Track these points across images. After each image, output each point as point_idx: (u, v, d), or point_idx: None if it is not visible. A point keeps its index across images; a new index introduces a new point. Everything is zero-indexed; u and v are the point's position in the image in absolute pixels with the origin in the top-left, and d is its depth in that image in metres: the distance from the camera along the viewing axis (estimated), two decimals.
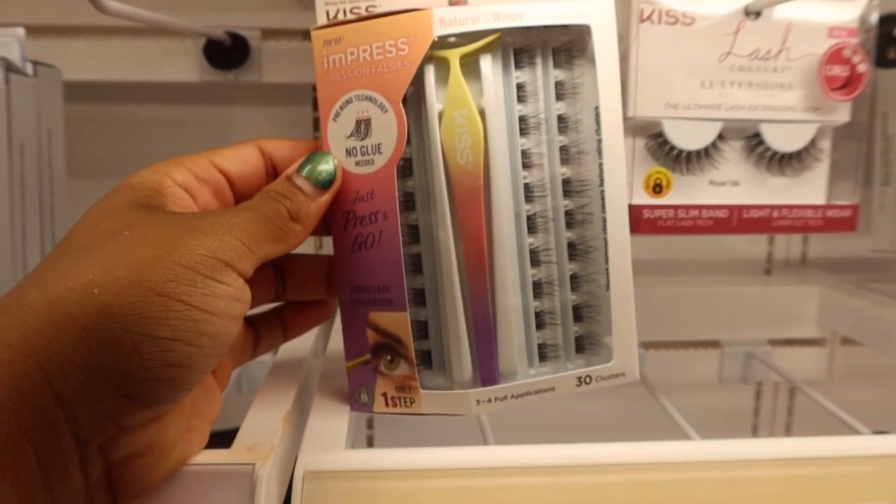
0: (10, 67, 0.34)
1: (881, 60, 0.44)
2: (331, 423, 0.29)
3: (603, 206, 0.29)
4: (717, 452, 0.27)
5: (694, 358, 0.56)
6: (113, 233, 0.22)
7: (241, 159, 0.27)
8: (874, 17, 0.36)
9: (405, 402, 0.28)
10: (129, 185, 0.24)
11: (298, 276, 0.30)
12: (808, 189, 0.37)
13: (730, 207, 0.36)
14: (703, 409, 0.62)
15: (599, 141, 0.29)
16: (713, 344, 0.56)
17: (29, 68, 0.37)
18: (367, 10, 0.27)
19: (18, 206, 0.35)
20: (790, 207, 0.36)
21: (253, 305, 0.29)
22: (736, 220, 0.36)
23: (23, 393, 0.19)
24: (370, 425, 0.60)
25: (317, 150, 0.27)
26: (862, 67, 0.36)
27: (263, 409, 0.30)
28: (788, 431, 0.65)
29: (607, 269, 0.29)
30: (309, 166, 0.27)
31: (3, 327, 0.20)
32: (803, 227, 0.36)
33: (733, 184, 0.37)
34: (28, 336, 0.20)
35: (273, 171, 0.28)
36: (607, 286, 0.29)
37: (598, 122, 0.28)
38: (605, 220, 0.29)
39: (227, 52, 0.48)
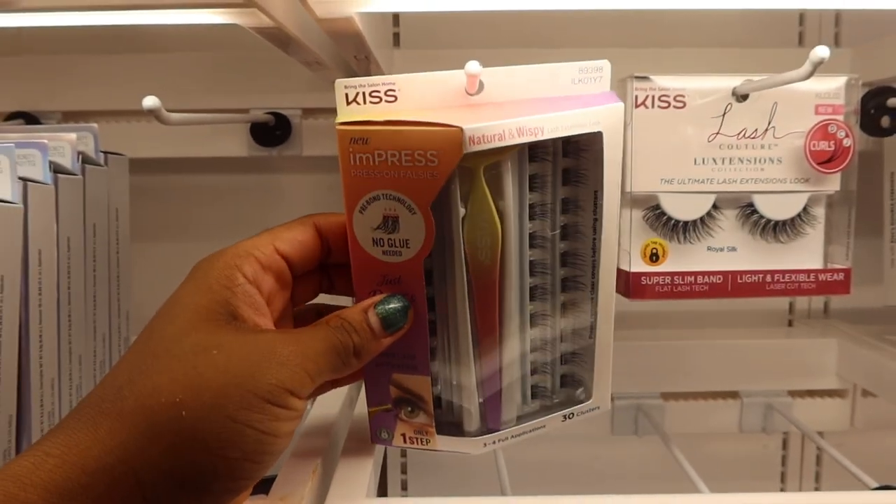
0: (86, 160, 0.40)
1: (874, 129, 0.46)
2: (356, 473, 0.32)
3: (593, 273, 0.32)
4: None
5: (714, 409, 0.57)
6: (203, 349, 0.25)
7: (299, 241, 0.30)
8: (859, 91, 0.39)
9: (422, 442, 0.32)
10: (207, 286, 0.27)
11: None
12: (804, 253, 0.40)
13: (724, 273, 0.38)
14: (729, 458, 0.64)
15: (595, 220, 0.32)
16: (733, 395, 0.58)
17: (101, 158, 0.42)
18: (385, 93, 0.29)
19: (91, 279, 0.40)
20: (783, 272, 0.39)
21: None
22: (731, 285, 0.39)
23: (119, 494, 0.23)
24: (404, 470, 0.63)
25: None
26: (847, 142, 0.38)
27: (297, 460, 0.33)
28: (818, 481, 0.65)
29: (591, 324, 0.33)
30: (384, 307, 0.29)
31: (105, 430, 0.23)
32: (796, 290, 0.39)
33: (731, 249, 0.40)
34: (127, 445, 0.23)
35: (328, 246, 0.31)
36: (590, 335, 0.33)
37: (596, 205, 0.32)
38: (594, 285, 0.32)
39: (272, 131, 0.54)
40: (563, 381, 0.35)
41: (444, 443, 0.32)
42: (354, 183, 0.29)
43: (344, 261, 0.31)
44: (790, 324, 0.64)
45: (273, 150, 0.54)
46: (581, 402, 0.34)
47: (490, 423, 0.32)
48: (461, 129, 0.27)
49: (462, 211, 0.29)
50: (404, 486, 0.63)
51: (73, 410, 0.24)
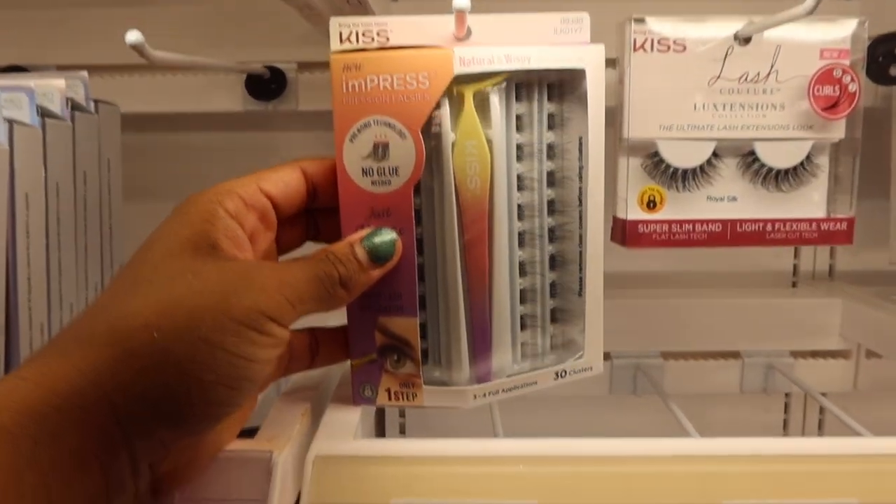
0: (75, 106, 0.39)
1: (882, 77, 0.45)
2: (344, 416, 0.32)
3: (581, 224, 0.32)
4: (702, 448, 0.29)
5: (715, 369, 0.57)
6: (179, 274, 0.25)
7: (285, 182, 0.29)
8: (866, 37, 0.38)
9: (408, 397, 0.31)
10: (187, 219, 0.27)
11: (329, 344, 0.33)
12: (807, 203, 0.39)
13: (723, 222, 0.38)
14: (730, 421, 0.63)
15: (581, 167, 0.32)
16: (735, 355, 0.57)
17: (91, 106, 0.42)
18: (377, 34, 0.30)
19: (81, 228, 0.40)
20: (784, 221, 0.38)
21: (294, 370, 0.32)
22: (730, 234, 0.38)
23: (92, 417, 0.22)
24: (402, 414, 0.63)
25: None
26: (853, 87, 0.37)
27: (286, 406, 0.33)
28: None
29: (581, 278, 0.32)
30: (371, 239, 0.29)
31: (78, 356, 0.23)
32: (798, 240, 0.38)
33: (731, 199, 0.39)
34: (99, 368, 0.23)
35: (314, 190, 0.31)
36: (580, 292, 0.32)
37: (581, 151, 0.32)
38: (581, 236, 0.32)
39: (267, 85, 0.53)
40: (555, 341, 0.34)
41: (431, 397, 0.31)
42: (346, 111, 0.29)
43: (330, 205, 0.30)
44: (794, 285, 0.63)
45: (268, 103, 0.53)
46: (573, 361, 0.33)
47: (480, 373, 0.32)
48: (452, 50, 0.28)
49: (452, 136, 0.29)
50: (402, 430, 0.62)
51: (50, 341, 0.24)
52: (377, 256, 0.29)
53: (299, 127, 0.59)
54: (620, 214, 0.38)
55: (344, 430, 0.31)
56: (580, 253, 0.32)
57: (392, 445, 0.29)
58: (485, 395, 0.32)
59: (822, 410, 0.64)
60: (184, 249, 0.26)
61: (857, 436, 0.42)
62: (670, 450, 0.29)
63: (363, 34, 0.29)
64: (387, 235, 0.29)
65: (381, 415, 0.61)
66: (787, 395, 0.64)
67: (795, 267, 0.63)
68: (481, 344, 0.31)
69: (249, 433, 0.31)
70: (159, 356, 0.23)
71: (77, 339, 0.24)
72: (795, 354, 0.57)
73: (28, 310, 0.34)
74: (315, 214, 0.32)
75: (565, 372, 0.33)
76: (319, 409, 0.34)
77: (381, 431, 0.60)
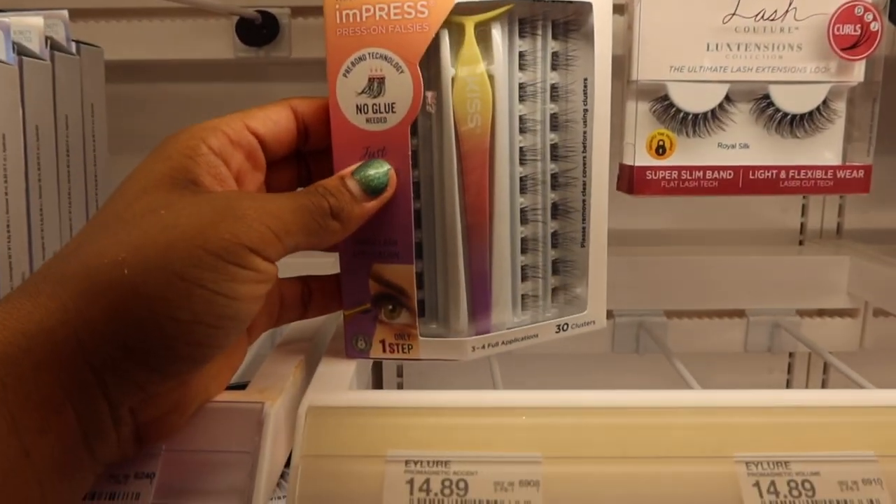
0: (54, 46, 0.37)
1: None
2: (338, 368, 0.31)
3: (584, 171, 0.30)
4: (713, 400, 0.28)
5: (719, 327, 0.56)
6: (151, 210, 0.23)
7: (273, 121, 0.28)
8: None
9: (403, 349, 0.30)
10: (166, 154, 0.25)
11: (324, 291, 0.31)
12: (822, 150, 0.37)
13: (735, 168, 0.36)
14: (733, 382, 0.62)
15: (586, 111, 0.30)
16: (739, 314, 0.56)
17: (73, 47, 0.40)
18: None
19: (65, 174, 0.38)
20: (798, 168, 0.36)
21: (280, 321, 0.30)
22: (742, 182, 0.36)
23: (62, 358, 0.21)
24: (399, 373, 0.62)
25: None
26: (875, 26, 0.35)
27: (279, 358, 0.32)
28: None
29: (584, 229, 0.31)
30: (362, 171, 0.27)
31: (47, 295, 0.22)
32: (813, 188, 0.36)
33: (743, 146, 0.37)
34: (67, 306, 0.21)
35: (305, 130, 0.29)
36: (583, 243, 0.31)
37: (586, 94, 0.30)
38: (585, 184, 0.30)
39: (258, 30, 0.51)
40: (557, 294, 0.33)
41: (427, 349, 0.30)
42: (340, 44, 0.27)
43: (323, 146, 0.29)
44: (801, 243, 0.62)
45: (260, 50, 0.51)
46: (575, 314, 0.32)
47: (479, 324, 0.30)
48: None
49: (451, 71, 0.28)
50: (400, 388, 0.62)
51: (21, 283, 0.23)
52: (370, 188, 0.27)
53: (292, 77, 0.57)
54: (628, 161, 0.36)
55: (338, 381, 0.30)
56: (584, 202, 0.31)
57: (389, 396, 0.28)
58: (484, 346, 0.30)
59: (825, 370, 0.63)
60: (159, 185, 0.24)
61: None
62: (679, 401, 0.28)
63: None
64: (380, 166, 0.27)
65: (378, 375, 0.60)
66: (790, 354, 0.63)
67: (803, 225, 0.62)
68: (481, 293, 0.30)
69: (242, 388, 0.30)
70: (129, 293, 0.21)
71: (47, 278, 0.22)
72: (802, 313, 0.56)
73: (8, 257, 0.33)
74: (307, 157, 0.31)
75: (567, 325, 0.32)
76: (313, 362, 0.33)
77: (380, 385, 0.59)
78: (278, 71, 0.57)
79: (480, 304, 0.30)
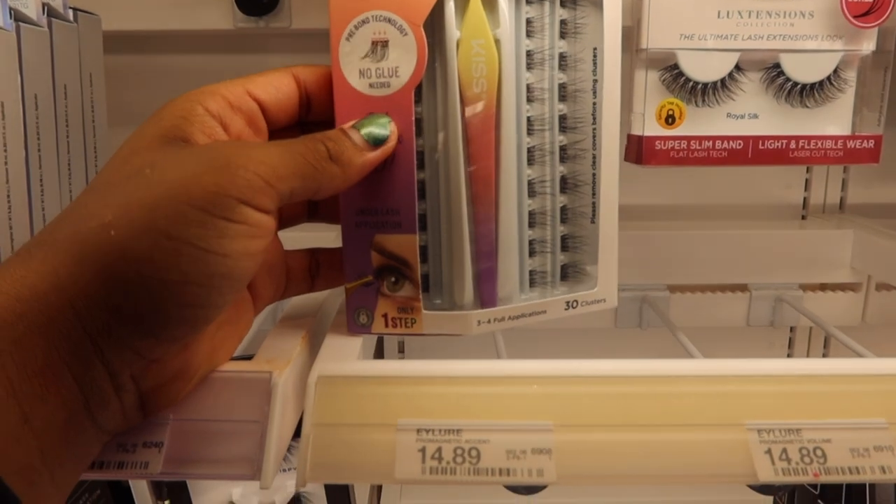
0: (52, 13, 0.36)
1: None
2: (346, 340, 0.30)
3: (594, 144, 0.30)
4: (723, 368, 0.28)
5: (722, 301, 0.56)
6: (137, 171, 0.22)
7: (275, 87, 0.27)
8: None
9: (406, 323, 0.29)
10: (159, 116, 0.25)
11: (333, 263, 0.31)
12: (832, 120, 0.37)
13: (744, 138, 0.36)
14: (735, 356, 0.62)
15: (596, 81, 0.30)
16: (742, 288, 0.56)
17: (70, 14, 0.39)
18: None
19: (64, 144, 0.38)
20: (808, 138, 0.36)
21: (287, 294, 0.30)
22: (751, 152, 0.36)
23: (57, 324, 0.21)
24: (401, 349, 0.62)
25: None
26: None
27: (284, 330, 0.32)
28: None
29: (594, 203, 0.30)
30: (364, 122, 0.26)
31: (39, 259, 0.21)
32: (822, 158, 0.36)
33: (752, 116, 0.37)
34: (59, 271, 0.21)
35: (307, 98, 0.28)
36: (593, 219, 0.30)
37: (595, 63, 0.29)
38: (594, 157, 0.30)
39: (258, 0, 0.50)
40: (566, 271, 0.32)
41: (431, 323, 0.29)
42: (342, 6, 0.26)
43: (326, 118, 0.28)
44: (804, 218, 0.61)
45: (260, 20, 0.50)
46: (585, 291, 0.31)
47: (485, 294, 0.29)
48: None
49: (456, 34, 0.27)
50: None
51: (16, 251, 0.22)
52: (371, 138, 0.26)
53: (293, 48, 0.56)
54: (636, 131, 0.36)
55: (347, 352, 0.29)
56: (594, 175, 0.30)
57: (399, 366, 0.28)
58: (489, 321, 0.29)
59: (826, 344, 0.64)
60: (149, 146, 0.23)
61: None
62: (690, 370, 0.28)
63: None
64: (381, 118, 0.27)
65: (379, 351, 0.60)
66: (791, 329, 0.63)
67: (806, 199, 0.61)
68: (486, 265, 0.29)
69: (247, 360, 0.30)
70: (117, 256, 0.21)
71: (39, 244, 0.22)
72: (804, 287, 0.56)
73: (9, 228, 0.32)
74: (310, 129, 0.30)
75: (577, 302, 0.31)
76: (317, 335, 0.33)
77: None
78: (278, 42, 0.57)
79: (486, 277, 0.29)
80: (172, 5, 0.50)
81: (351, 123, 0.27)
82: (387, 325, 0.29)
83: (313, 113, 0.29)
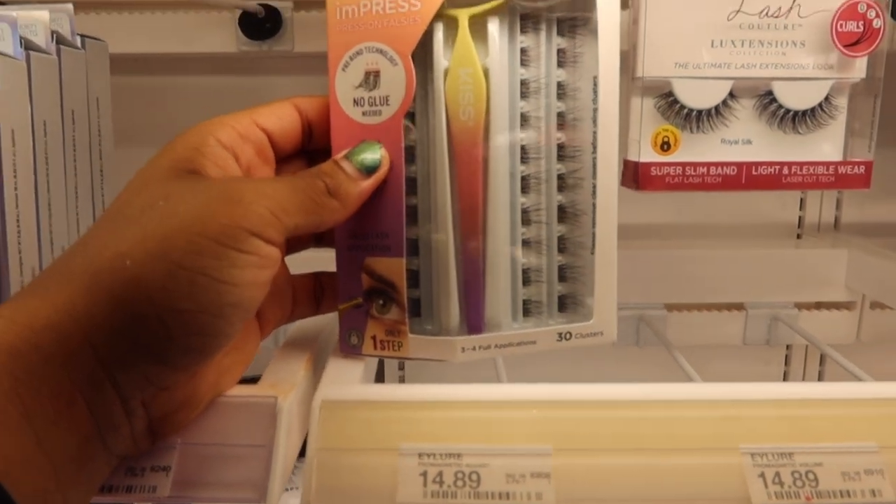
0: (60, 40, 0.37)
1: None
2: (349, 364, 0.31)
3: (594, 173, 0.30)
4: (718, 393, 0.28)
5: (718, 320, 0.56)
6: (151, 203, 0.23)
7: (279, 117, 0.28)
8: None
9: (393, 346, 0.30)
10: (171, 148, 0.25)
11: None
12: (823, 146, 0.38)
13: (738, 164, 0.36)
14: (731, 375, 0.63)
15: (595, 110, 0.30)
16: (738, 307, 0.57)
17: (78, 41, 0.40)
18: None
19: (71, 168, 0.38)
20: (801, 164, 0.37)
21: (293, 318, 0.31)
22: (745, 177, 0.36)
23: (71, 352, 0.21)
24: (401, 366, 0.62)
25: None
26: (877, 23, 0.36)
27: (288, 354, 0.32)
28: None
29: (594, 233, 0.30)
30: (354, 152, 0.27)
31: (54, 291, 0.22)
32: (814, 183, 0.37)
33: (745, 142, 0.37)
34: (75, 300, 0.22)
35: (309, 128, 0.29)
36: (592, 249, 0.30)
37: (595, 92, 0.30)
38: (594, 186, 0.30)
39: (261, 24, 0.51)
40: (564, 302, 0.32)
41: (417, 347, 0.29)
42: (339, 39, 0.28)
43: (326, 145, 0.29)
44: (799, 237, 0.62)
45: (263, 44, 0.51)
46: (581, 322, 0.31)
47: (471, 319, 0.29)
48: None
49: (445, 63, 0.28)
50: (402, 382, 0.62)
51: (31, 281, 0.23)
52: (364, 167, 0.27)
53: (295, 70, 0.57)
54: (632, 157, 0.37)
55: (349, 376, 0.30)
56: (594, 205, 0.30)
57: (401, 391, 0.28)
58: (475, 348, 0.30)
59: (822, 362, 0.64)
60: (161, 177, 0.24)
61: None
62: (686, 394, 0.28)
63: None
64: (371, 146, 0.28)
65: (381, 367, 0.61)
66: (787, 347, 0.64)
67: (801, 218, 0.62)
68: (472, 291, 0.29)
69: (251, 382, 0.30)
70: (131, 286, 0.22)
71: (54, 275, 0.22)
72: (799, 306, 0.57)
73: (18, 252, 0.33)
74: (313, 157, 0.31)
75: (570, 334, 0.31)
76: (321, 358, 0.33)
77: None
78: (281, 64, 0.58)
79: (472, 303, 0.30)
80: (176, 28, 0.51)
81: (343, 153, 0.27)
82: (375, 347, 0.30)
83: (314, 141, 0.30)
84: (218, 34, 0.52)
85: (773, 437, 0.27)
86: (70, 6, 0.39)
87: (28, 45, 0.34)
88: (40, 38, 0.36)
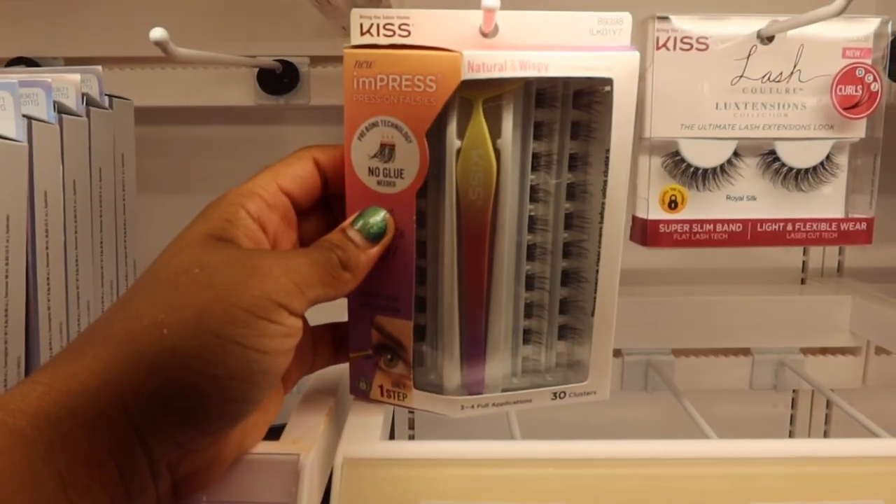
0: (90, 102, 0.39)
1: None
2: (368, 419, 0.32)
3: (599, 242, 0.31)
4: (720, 450, 0.29)
5: (725, 365, 0.57)
6: (185, 270, 0.24)
7: (301, 177, 0.29)
8: (888, 36, 0.38)
9: (398, 396, 0.31)
10: (206, 217, 0.27)
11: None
12: (826, 203, 0.39)
13: (743, 222, 0.37)
14: (738, 417, 0.63)
15: (605, 182, 0.30)
16: (745, 352, 0.58)
17: (106, 101, 0.41)
18: (399, 27, 0.29)
19: (98, 225, 0.40)
20: (804, 221, 0.38)
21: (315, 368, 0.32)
22: (750, 234, 0.38)
23: (105, 417, 0.22)
24: (411, 426, 0.63)
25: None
26: (875, 86, 0.37)
27: (308, 406, 0.33)
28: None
29: (595, 298, 0.31)
30: (361, 220, 0.28)
31: (91, 356, 0.23)
32: (818, 240, 0.38)
33: (750, 199, 0.39)
34: (111, 367, 0.23)
35: (325, 178, 0.30)
36: (592, 313, 0.31)
37: (607, 165, 0.30)
38: (599, 255, 0.31)
39: (279, 79, 0.53)
40: (561, 360, 0.33)
41: (420, 400, 0.31)
42: (356, 108, 0.28)
43: (341, 191, 0.30)
44: (803, 282, 0.63)
45: (280, 98, 0.53)
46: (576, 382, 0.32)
47: (471, 383, 0.31)
48: (461, 54, 0.27)
49: (457, 143, 0.29)
50: (411, 426, 0.63)
51: (66, 346, 0.24)
52: (370, 235, 0.28)
53: (311, 121, 0.59)
54: (641, 214, 0.38)
55: (369, 431, 0.31)
56: (597, 272, 0.31)
57: (420, 447, 0.29)
58: (473, 406, 0.31)
59: (828, 406, 0.65)
60: (195, 244, 0.25)
61: (867, 431, 0.42)
62: (697, 452, 0.29)
63: (384, 27, 0.29)
64: (376, 213, 0.29)
65: (391, 430, 0.61)
66: (794, 391, 0.65)
67: (805, 263, 0.63)
68: (474, 354, 0.31)
69: (274, 431, 0.31)
70: (167, 354, 0.23)
71: (91, 341, 0.23)
72: (805, 351, 0.57)
73: (47, 309, 0.34)
74: (330, 203, 0.32)
75: (564, 393, 0.32)
76: (341, 408, 0.34)
77: (391, 434, 0.60)
78: (297, 115, 0.59)
79: (473, 365, 0.31)
80: (198, 83, 0.53)
81: (349, 221, 0.29)
82: (382, 395, 0.32)
83: (330, 189, 0.31)
84: (237, 89, 0.54)
85: (783, 496, 0.28)
86: (99, 68, 0.41)
87: (60, 109, 0.36)
88: (71, 101, 0.38)
